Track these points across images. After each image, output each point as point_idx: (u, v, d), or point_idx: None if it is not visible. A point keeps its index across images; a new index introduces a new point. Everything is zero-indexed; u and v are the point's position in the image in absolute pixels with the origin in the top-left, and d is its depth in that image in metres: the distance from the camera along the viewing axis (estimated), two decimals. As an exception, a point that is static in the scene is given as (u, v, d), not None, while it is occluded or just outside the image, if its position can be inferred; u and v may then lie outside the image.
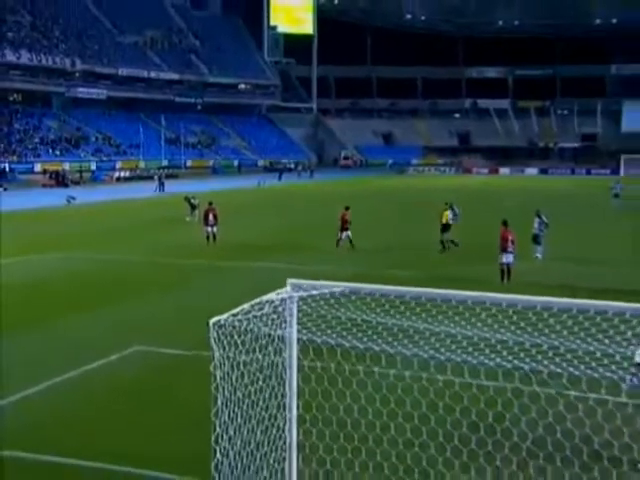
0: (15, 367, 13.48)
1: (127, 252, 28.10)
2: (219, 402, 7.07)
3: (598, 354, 7.91)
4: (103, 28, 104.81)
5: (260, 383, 7.52)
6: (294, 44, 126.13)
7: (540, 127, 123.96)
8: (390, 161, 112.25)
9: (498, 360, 8.24)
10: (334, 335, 8.55)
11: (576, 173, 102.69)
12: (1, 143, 79.78)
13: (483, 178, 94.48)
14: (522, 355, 8.24)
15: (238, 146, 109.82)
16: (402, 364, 8.95)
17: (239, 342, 7.19)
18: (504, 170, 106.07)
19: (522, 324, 8.50)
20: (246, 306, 7.22)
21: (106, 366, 13.86)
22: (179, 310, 18.44)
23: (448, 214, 27.93)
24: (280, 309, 7.42)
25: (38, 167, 77.90)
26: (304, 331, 7.92)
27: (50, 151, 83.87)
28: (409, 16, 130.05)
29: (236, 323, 7.09)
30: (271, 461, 7.76)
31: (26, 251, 27.50)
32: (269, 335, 7.43)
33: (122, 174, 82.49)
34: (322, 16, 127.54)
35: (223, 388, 7.10)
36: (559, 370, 8.18)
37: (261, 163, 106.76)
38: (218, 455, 7.08)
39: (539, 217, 25.99)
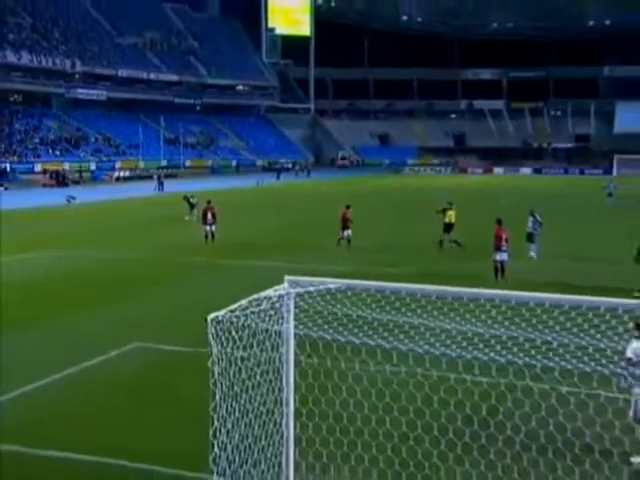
0: (15, 364, 13.56)
1: (127, 251, 28.20)
2: (217, 397, 7.14)
3: (590, 349, 8.04)
4: (103, 30, 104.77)
5: (258, 378, 7.60)
6: (292, 46, 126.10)
7: (534, 128, 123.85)
8: (387, 161, 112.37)
9: (492, 355, 8.34)
10: (330, 331, 8.62)
11: (569, 173, 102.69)
12: (2, 143, 79.75)
13: (478, 178, 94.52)
14: (515, 350, 8.31)
15: (236, 146, 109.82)
16: (397, 359, 9.05)
17: (237, 338, 7.24)
18: (498, 170, 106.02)
19: (516, 320, 8.65)
20: (244, 302, 7.29)
21: (106, 362, 13.94)
22: (178, 307, 18.52)
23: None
24: (277, 305, 7.50)
25: (38, 167, 77.83)
26: (301, 327, 8.01)
27: (50, 151, 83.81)
28: (405, 18, 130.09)
29: (234, 319, 7.16)
30: (268, 454, 7.86)
31: (26, 249, 27.58)
32: (266, 331, 7.51)
33: (122, 174, 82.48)
34: (319, 18, 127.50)
35: (221, 383, 7.17)
36: (552, 364, 8.30)
37: (259, 163, 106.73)
38: (216, 449, 7.15)
39: (533, 216, 26.10)
